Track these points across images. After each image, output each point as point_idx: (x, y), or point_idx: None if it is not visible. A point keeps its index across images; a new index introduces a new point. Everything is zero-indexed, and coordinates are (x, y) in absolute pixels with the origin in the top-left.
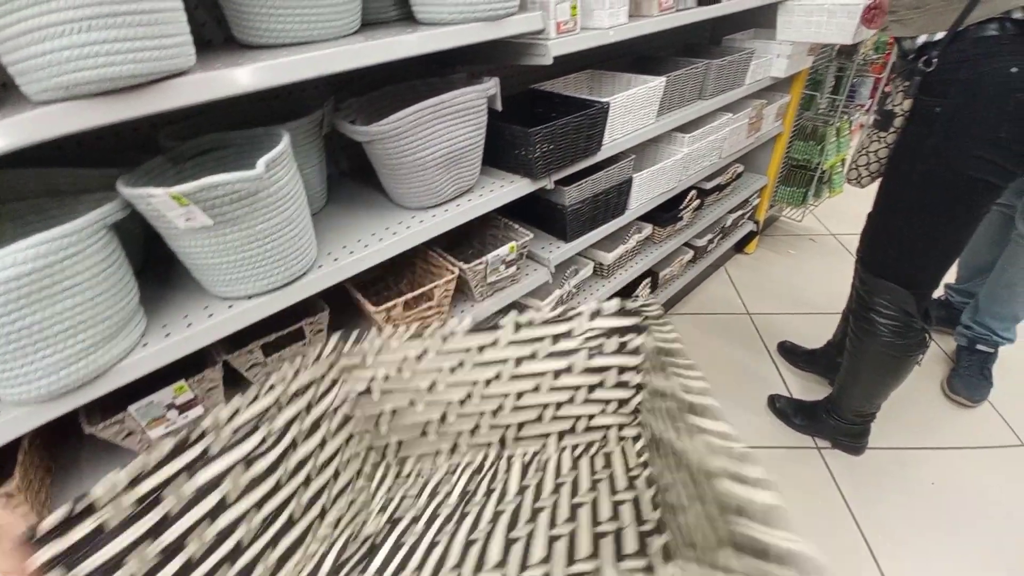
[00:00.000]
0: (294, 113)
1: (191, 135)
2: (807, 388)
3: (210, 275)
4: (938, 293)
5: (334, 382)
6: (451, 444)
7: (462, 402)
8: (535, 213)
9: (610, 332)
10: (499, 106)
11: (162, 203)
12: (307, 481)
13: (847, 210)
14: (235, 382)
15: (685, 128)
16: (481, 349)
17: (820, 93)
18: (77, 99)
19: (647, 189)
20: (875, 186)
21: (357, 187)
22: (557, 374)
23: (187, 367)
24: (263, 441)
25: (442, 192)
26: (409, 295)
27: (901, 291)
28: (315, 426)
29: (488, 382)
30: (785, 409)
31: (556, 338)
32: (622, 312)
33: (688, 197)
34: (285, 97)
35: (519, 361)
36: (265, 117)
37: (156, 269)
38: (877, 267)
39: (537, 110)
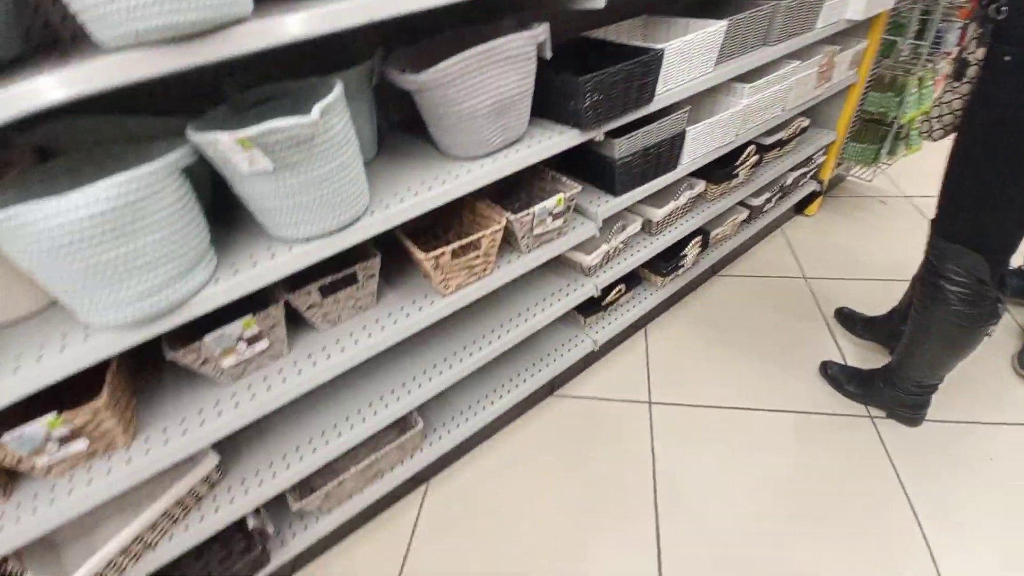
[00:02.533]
0: (345, 64)
1: (252, 85)
2: (863, 357)
3: (272, 218)
4: (1018, 262)
5: None
6: None
7: None
8: (583, 165)
9: None
10: (548, 53)
11: (228, 147)
12: None
13: (927, 169)
14: (295, 320)
15: (746, 77)
16: None
17: (902, 39)
18: (146, 46)
19: (701, 143)
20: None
21: (406, 138)
22: None
23: (253, 304)
24: None
25: (490, 142)
26: (457, 243)
27: (974, 255)
28: None
29: None
30: (838, 376)
31: None
32: None
33: (746, 153)
34: (337, 48)
35: None
36: (319, 68)
37: (223, 213)
38: (948, 228)
39: (588, 59)
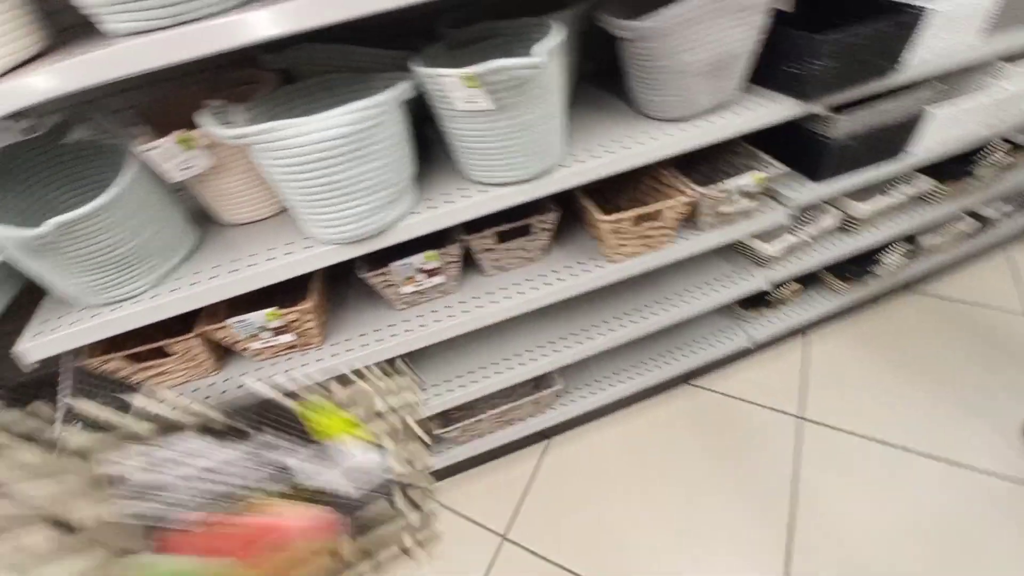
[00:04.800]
0: (550, 7)
1: (464, 23)
2: None
3: (472, 159)
4: None
5: None
6: None
7: None
8: (778, 142)
9: None
10: (790, 5)
11: (451, 84)
12: None
13: None
14: (468, 262)
15: (1017, 57)
16: None
17: None
18: None
19: (941, 131)
20: None
21: (599, 91)
22: None
23: (433, 241)
24: None
25: (697, 104)
26: (639, 211)
27: None
28: None
29: None
30: None
31: None
32: None
33: (993, 150)
34: None
35: None
36: (526, 10)
37: (419, 152)
38: None
39: (817, 15)
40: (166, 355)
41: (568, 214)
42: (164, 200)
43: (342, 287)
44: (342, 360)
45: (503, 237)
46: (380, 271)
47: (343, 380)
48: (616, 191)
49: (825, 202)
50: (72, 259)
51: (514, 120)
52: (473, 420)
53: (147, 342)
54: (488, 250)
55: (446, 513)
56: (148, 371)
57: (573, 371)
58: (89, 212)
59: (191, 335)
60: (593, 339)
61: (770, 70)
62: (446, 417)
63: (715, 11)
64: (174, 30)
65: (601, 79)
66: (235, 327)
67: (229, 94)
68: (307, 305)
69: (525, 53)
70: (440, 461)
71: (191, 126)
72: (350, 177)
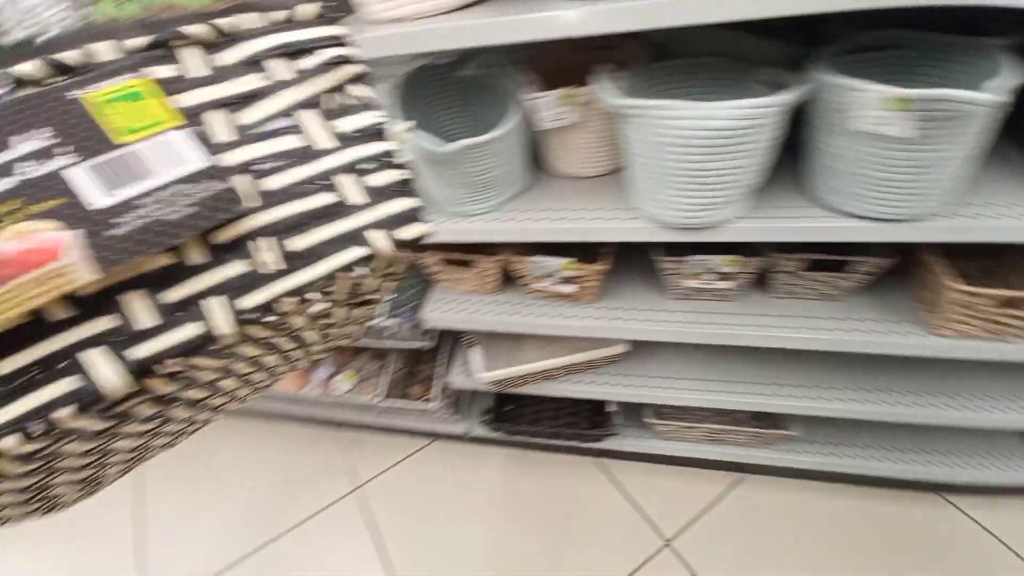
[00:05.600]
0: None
1: (863, 26)
2: None
3: (838, 182)
4: None
5: None
6: None
7: None
8: None
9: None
10: None
11: (868, 100)
12: None
13: None
14: (760, 283)
15: None
16: None
17: None
18: None
19: None
20: None
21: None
22: None
23: (730, 246)
24: None
25: None
26: (1016, 294)
27: None
28: None
29: None
30: None
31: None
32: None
33: None
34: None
35: None
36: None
37: None
38: None
39: None
40: (467, 268)
41: (909, 266)
42: (523, 140)
43: (623, 254)
44: (607, 323)
45: (812, 266)
46: (676, 259)
47: None
48: (977, 254)
49: None
50: (455, 174)
51: (923, 154)
52: (685, 425)
53: (451, 252)
54: (787, 272)
55: (621, 498)
56: (446, 274)
57: (806, 420)
58: (487, 140)
59: (496, 258)
60: (858, 404)
61: None
62: (660, 410)
63: None
64: None
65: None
66: (531, 265)
67: (606, 61)
68: (601, 267)
69: (938, 75)
70: (635, 446)
71: (565, 82)
72: (716, 169)
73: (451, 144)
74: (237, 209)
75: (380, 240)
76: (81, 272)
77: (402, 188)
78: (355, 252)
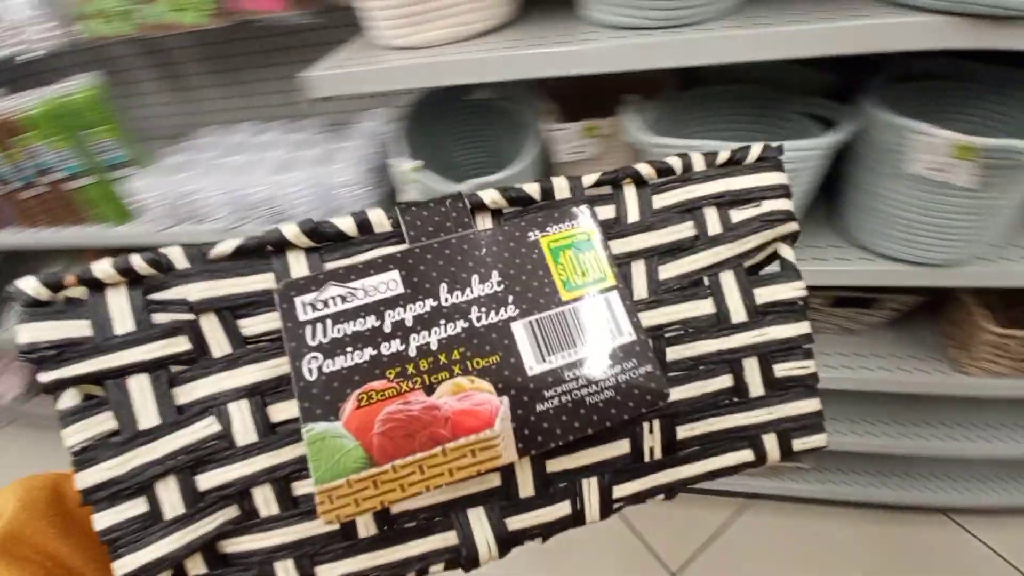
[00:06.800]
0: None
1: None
2: None
3: (878, 224)
4: None
5: None
6: None
7: None
8: None
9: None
10: None
11: (927, 145)
12: None
13: None
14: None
15: None
16: None
17: None
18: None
19: None
20: None
21: None
22: None
23: None
24: None
25: None
26: None
27: None
28: None
29: None
30: None
31: None
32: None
33: None
34: None
35: None
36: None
37: None
38: None
39: None
40: None
41: (945, 307)
42: (539, 174)
43: None
44: None
45: (837, 302)
46: None
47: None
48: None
49: None
50: None
51: (979, 202)
52: None
53: None
54: (816, 309)
55: (625, 529)
56: None
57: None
58: (497, 180)
59: None
60: (874, 439)
61: None
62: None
63: None
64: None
65: None
66: None
67: (632, 85)
68: None
69: (991, 108)
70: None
71: (585, 106)
72: None
73: (461, 185)
74: (662, 406)
75: (774, 448)
76: (504, 450)
77: (808, 384)
78: (743, 456)
